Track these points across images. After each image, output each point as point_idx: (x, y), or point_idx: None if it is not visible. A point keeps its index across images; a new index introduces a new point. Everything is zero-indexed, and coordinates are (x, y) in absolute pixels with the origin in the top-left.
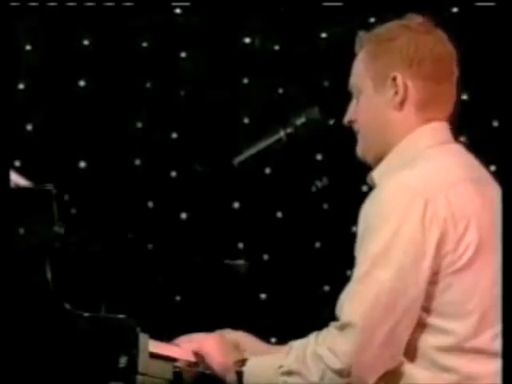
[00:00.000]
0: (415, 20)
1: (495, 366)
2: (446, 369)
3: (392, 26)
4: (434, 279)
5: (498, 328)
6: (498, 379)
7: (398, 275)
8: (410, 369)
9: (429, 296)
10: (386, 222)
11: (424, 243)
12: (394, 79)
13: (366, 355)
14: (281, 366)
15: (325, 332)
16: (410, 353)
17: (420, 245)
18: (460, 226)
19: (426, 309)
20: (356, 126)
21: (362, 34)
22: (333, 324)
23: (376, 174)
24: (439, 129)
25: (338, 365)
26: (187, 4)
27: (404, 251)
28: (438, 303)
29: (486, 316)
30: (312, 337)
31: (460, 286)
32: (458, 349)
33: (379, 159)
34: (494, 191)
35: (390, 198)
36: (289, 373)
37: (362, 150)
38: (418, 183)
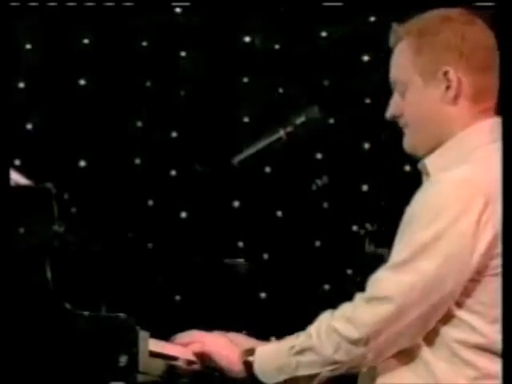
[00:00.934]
0: (454, 10)
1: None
2: (467, 364)
3: (432, 17)
4: (476, 277)
5: None
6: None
7: (442, 267)
8: (429, 357)
9: (466, 293)
10: (441, 213)
11: (475, 241)
12: (446, 74)
13: (391, 331)
14: (292, 347)
15: (344, 305)
16: (434, 343)
17: (470, 242)
18: None
19: (460, 304)
20: (402, 121)
21: (397, 26)
22: (360, 296)
23: (430, 163)
24: (496, 126)
25: (355, 334)
26: (187, 4)
27: (454, 245)
28: (473, 301)
29: None
30: (327, 313)
31: (498, 290)
32: (482, 347)
33: (431, 151)
34: None
35: (450, 191)
36: (301, 351)
37: (412, 144)
38: (479, 180)
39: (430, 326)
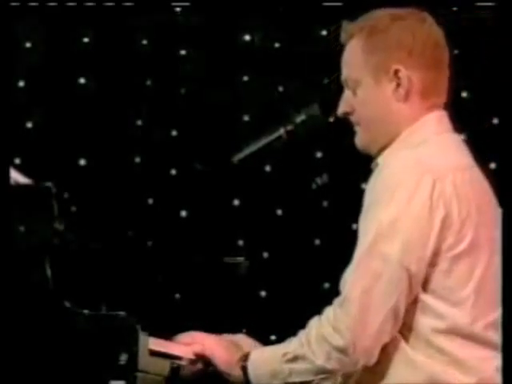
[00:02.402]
0: (404, 8)
1: (485, 353)
2: (439, 350)
3: (383, 15)
4: (434, 260)
5: (491, 317)
6: (487, 366)
7: (403, 249)
8: (406, 349)
9: (429, 278)
10: (393, 195)
11: (431, 220)
12: (396, 72)
13: (370, 330)
14: (285, 354)
15: (327, 310)
16: (408, 333)
17: (426, 221)
18: (463, 211)
19: (426, 289)
20: (354, 118)
21: (347, 24)
22: (336, 301)
23: (381, 160)
24: (443, 118)
25: (341, 342)
26: (187, 4)
27: (411, 226)
28: (436, 286)
29: (480, 305)
30: (315, 320)
31: (457, 273)
32: (450, 332)
33: (383, 149)
34: (487, 183)
35: (399, 172)
36: (294, 359)
37: (364, 141)
38: (426, 161)
39: (403, 313)
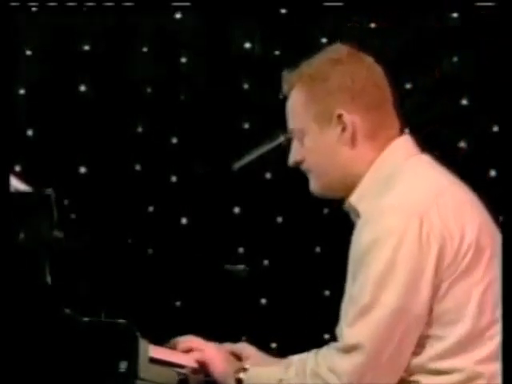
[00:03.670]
0: (342, 51)
1: (493, 364)
2: (445, 372)
3: (321, 62)
4: (435, 291)
5: (495, 329)
6: (497, 378)
7: (400, 296)
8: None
9: (431, 308)
10: (383, 245)
11: (423, 261)
12: (340, 117)
13: (371, 374)
14: (281, 380)
15: (324, 351)
16: (408, 367)
17: (419, 263)
18: (456, 237)
19: (429, 322)
20: (305, 166)
21: (288, 74)
22: (334, 345)
23: (354, 200)
24: (406, 143)
25: (337, 382)
26: (187, 4)
27: (404, 271)
28: (435, 313)
29: (483, 317)
30: (312, 354)
31: (457, 293)
32: (452, 352)
33: (350, 190)
34: (470, 193)
35: (385, 221)
36: None
37: (318, 188)
38: (407, 201)
39: (409, 354)
